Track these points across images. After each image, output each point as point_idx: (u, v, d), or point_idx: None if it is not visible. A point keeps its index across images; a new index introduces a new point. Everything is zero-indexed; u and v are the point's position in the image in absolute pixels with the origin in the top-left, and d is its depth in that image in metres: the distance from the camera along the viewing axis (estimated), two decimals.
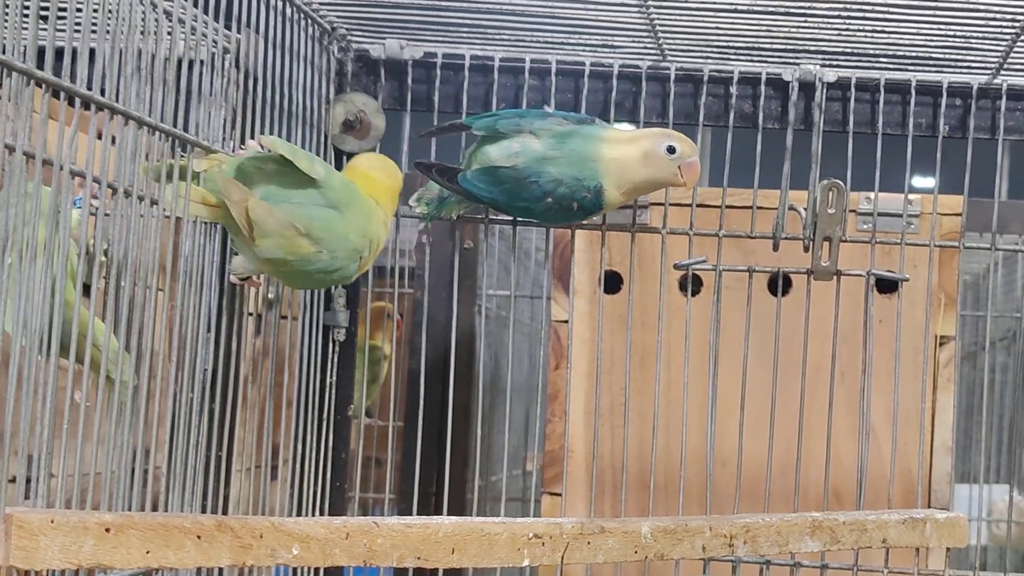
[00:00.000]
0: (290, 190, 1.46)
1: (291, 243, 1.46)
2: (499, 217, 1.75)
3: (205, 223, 1.50)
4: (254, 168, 1.46)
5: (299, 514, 1.75)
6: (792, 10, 1.64)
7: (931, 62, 1.79)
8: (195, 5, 1.45)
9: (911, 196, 1.85)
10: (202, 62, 1.49)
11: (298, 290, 1.77)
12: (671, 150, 1.63)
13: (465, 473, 2.43)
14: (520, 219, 1.74)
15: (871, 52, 1.77)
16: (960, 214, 1.86)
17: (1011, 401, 3.17)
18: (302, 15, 1.71)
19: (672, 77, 1.82)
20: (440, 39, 1.81)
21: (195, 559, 1.15)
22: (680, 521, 1.45)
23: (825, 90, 1.80)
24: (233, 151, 1.53)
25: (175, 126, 1.39)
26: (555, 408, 1.92)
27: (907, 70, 1.81)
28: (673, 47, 1.79)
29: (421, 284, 2.40)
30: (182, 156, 1.40)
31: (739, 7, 1.63)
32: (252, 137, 1.57)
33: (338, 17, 1.77)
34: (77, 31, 1.19)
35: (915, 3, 1.60)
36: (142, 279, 1.33)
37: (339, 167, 1.72)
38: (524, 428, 3.03)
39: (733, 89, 1.82)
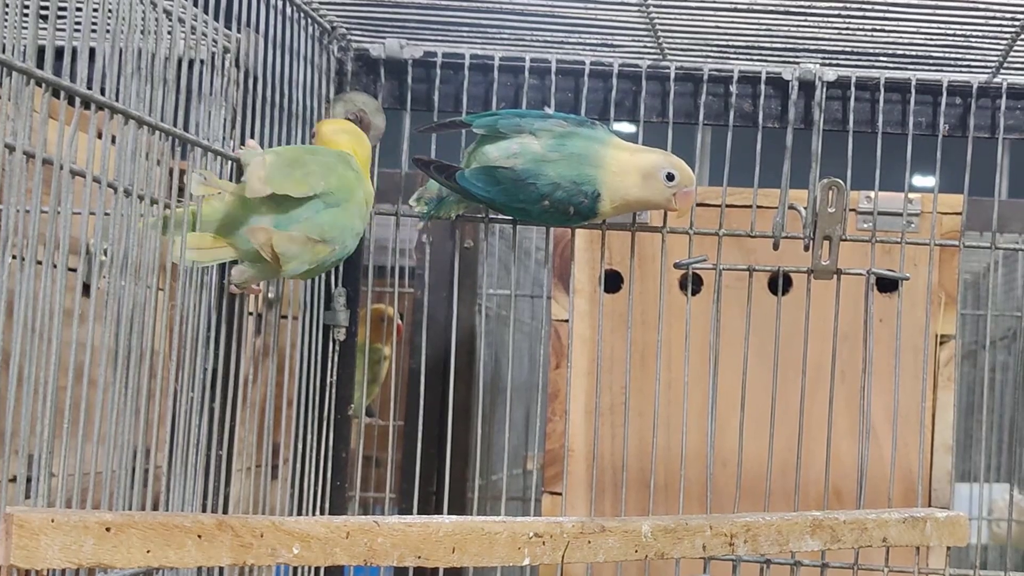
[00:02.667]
0: (295, 208, 1.47)
1: (311, 254, 1.48)
2: (499, 216, 1.75)
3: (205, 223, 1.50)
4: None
5: (299, 513, 1.75)
6: (792, 9, 1.64)
7: (931, 61, 1.79)
8: (195, 4, 1.45)
9: (911, 195, 1.84)
10: (202, 61, 1.49)
11: (298, 290, 1.77)
12: (670, 177, 1.64)
13: (465, 472, 2.43)
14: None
15: (871, 51, 1.77)
16: (960, 213, 1.86)
17: (1011, 400, 3.17)
18: (302, 14, 1.71)
19: (672, 76, 1.82)
20: (440, 38, 1.81)
21: (196, 558, 1.15)
22: (680, 520, 1.44)
23: (825, 89, 1.80)
24: (233, 150, 1.53)
25: (175, 125, 1.39)
26: (555, 407, 1.92)
27: (907, 69, 1.81)
28: (673, 46, 1.79)
29: (421, 284, 2.40)
30: (179, 203, 1.41)
31: (739, 6, 1.63)
32: (252, 136, 1.57)
33: (338, 16, 1.77)
34: (77, 30, 1.19)
35: (915, 2, 1.60)
36: (142, 279, 1.33)
37: None
38: (524, 427, 3.03)
39: (733, 88, 1.82)
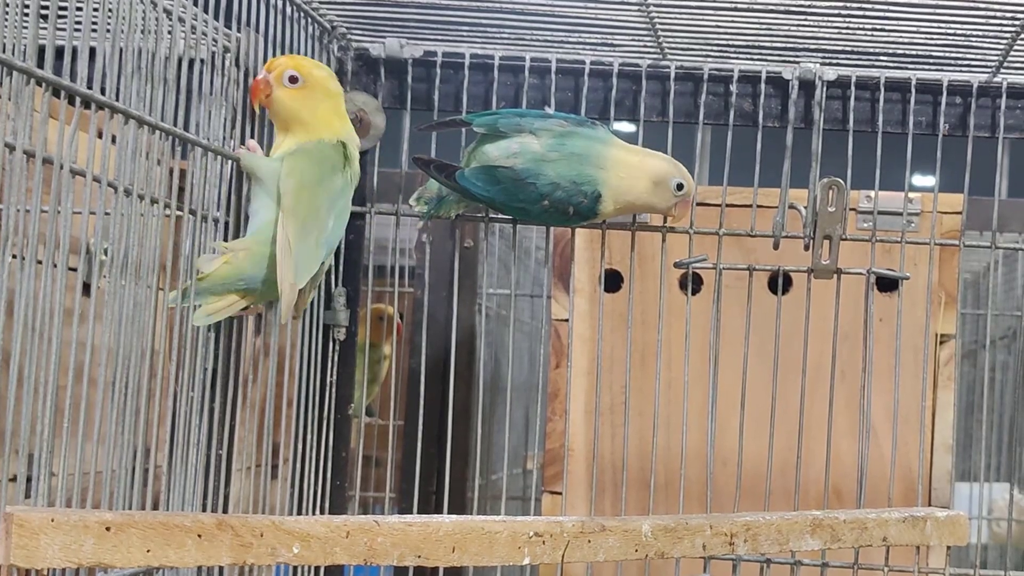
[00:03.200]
0: (311, 232, 1.50)
1: (320, 268, 1.54)
2: (499, 216, 1.75)
3: (206, 223, 1.50)
4: (269, 242, 1.48)
5: (299, 513, 1.75)
6: (792, 8, 1.64)
7: (931, 60, 1.79)
8: (195, 4, 1.45)
9: (911, 194, 1.84)
10: (202, 61, 1.49)
11: None
12: (680, 187, 1.65)
13: (465, 472, 2.43)
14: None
15: (871, 50, 1.77)
16: (960, 212, 1.86)
17: (1011, 399, 3.17)
18: (302, 14, 1.71)
19: (672, 76, 1.82)
20: (440, 38, 1.81)
21: (196, 558, 1.15)
22: (680, 519, 1.44)
23: (825, 88, 1.80)
24: (234, 149, 1.53)
25: (175, 125, 1.39)
26: (555, 407, 1.92)
27: (907, 68, 1.81)
28: (673, 45, 1.79)
29: (421, 283, 2.39)
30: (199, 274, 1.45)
31: (739, 6, 1.63)
32: (252, 136, 1.57)
33: (338, 16, 1.77)
34: (77, 30, 1.19)
35: (915, 1, 1.60)
36: (142, 278, 1.33)
37: None
38: (524, 427, 3.02)
39: (733, 87, 1.82)
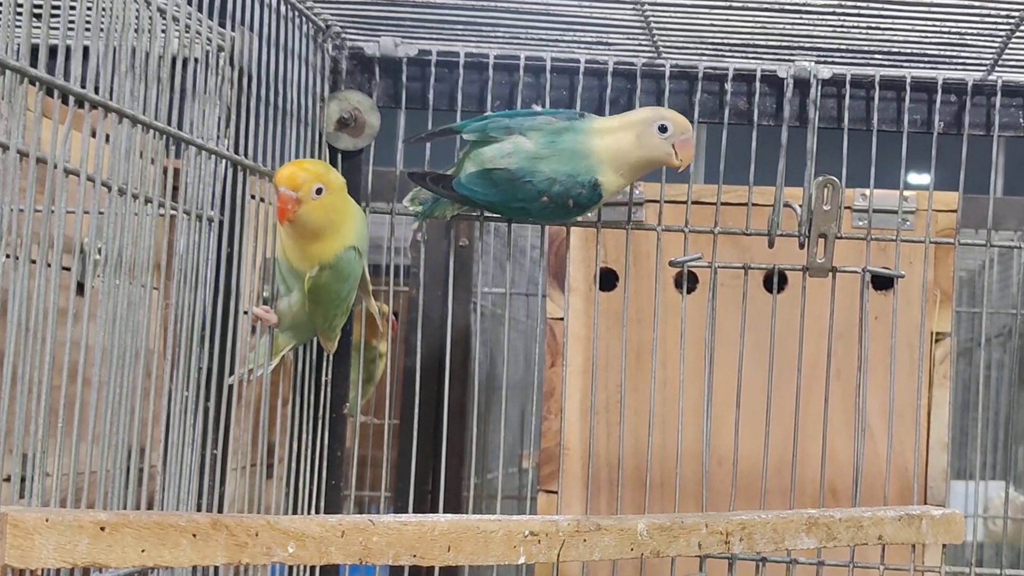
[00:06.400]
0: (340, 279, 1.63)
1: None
2: (494, 214, 1.74)
3: (200, 222, 1.50)
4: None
5: (295, 512, 1.75)
6: (787, 6, 1.63)
7: (926, 58, 1.79)
8: (189, 3, 1.45)
9: (906, 192, 1.84)
10: (196, 60, 1.49)
11: None
12: (663, 129, 1.63)
13: (461, 471, 2.43)
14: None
15: (866, 48, 1.77)
16: (955, 210, 1.86)
17: (1007, 397, 3.18)
18: (296, 13, 1.70)
19: (667, 74, 1.82)
20: (435, 37, 1.81)
21: (190, 557, 1.15)
22: (676, 518, 1.44)
23: (820, 86, 1.80)
24: (228, 149, 1.53)
25: (169, 124, 1.39)
26: (551, 406, 1.92)
27: (902, 66, 1.81)
28: (668, 44, 1.79)
29: (416, 282, 2.39)
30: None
31: (734, 4, 1.63)
32: (247, 135, 1.57)
33: (332, 15, 1.77)
34: (71, 29, 1.19)
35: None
36: (136, 277, 1.33)
37: (333, 164, 1.73)
38: (520, 426, 3.02)
39: (728, 86, 1.82)
